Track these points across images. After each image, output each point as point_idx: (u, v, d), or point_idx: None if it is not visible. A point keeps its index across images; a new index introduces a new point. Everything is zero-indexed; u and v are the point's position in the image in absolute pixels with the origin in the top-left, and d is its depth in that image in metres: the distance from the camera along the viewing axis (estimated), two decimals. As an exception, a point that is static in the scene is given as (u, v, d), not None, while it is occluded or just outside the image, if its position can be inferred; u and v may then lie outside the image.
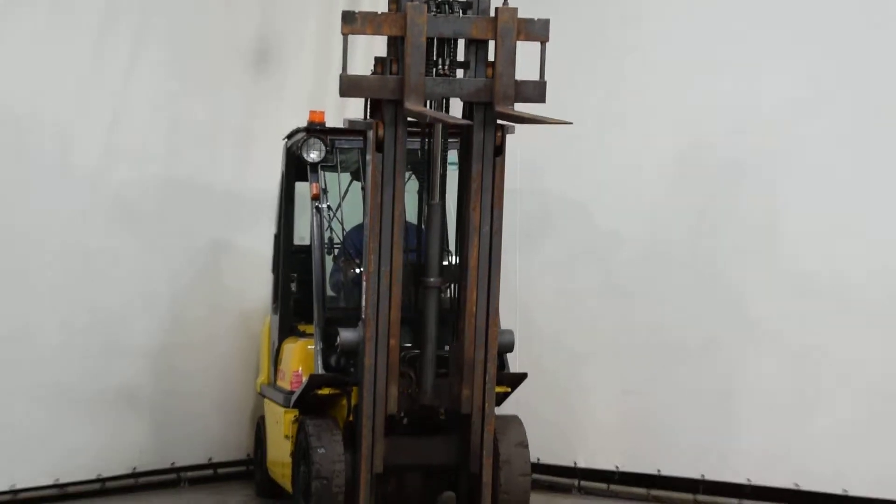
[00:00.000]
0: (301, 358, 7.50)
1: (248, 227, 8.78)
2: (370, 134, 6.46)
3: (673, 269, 8.25)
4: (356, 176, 7.62)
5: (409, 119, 6.73)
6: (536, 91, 6.65)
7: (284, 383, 7.68)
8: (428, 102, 6.69)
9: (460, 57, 6.76)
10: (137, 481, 8.18)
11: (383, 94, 6.60)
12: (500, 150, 6.56)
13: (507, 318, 7.16)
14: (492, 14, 6.65)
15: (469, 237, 6.64)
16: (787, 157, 7.79)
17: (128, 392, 8.26)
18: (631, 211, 8.36)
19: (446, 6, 6.84)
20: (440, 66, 6.73)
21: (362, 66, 7.19)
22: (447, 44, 6.72)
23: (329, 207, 7.54)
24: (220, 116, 8.70)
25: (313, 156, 7.43)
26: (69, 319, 7.97)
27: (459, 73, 6.85)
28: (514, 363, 7.27)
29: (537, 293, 8.57)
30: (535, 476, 7.52)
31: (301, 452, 7.12)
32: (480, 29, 6.65)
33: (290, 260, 8.10)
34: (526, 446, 7.04)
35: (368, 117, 6.75)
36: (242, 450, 8.80)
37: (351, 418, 7.02)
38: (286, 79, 8.94)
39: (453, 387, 6.68)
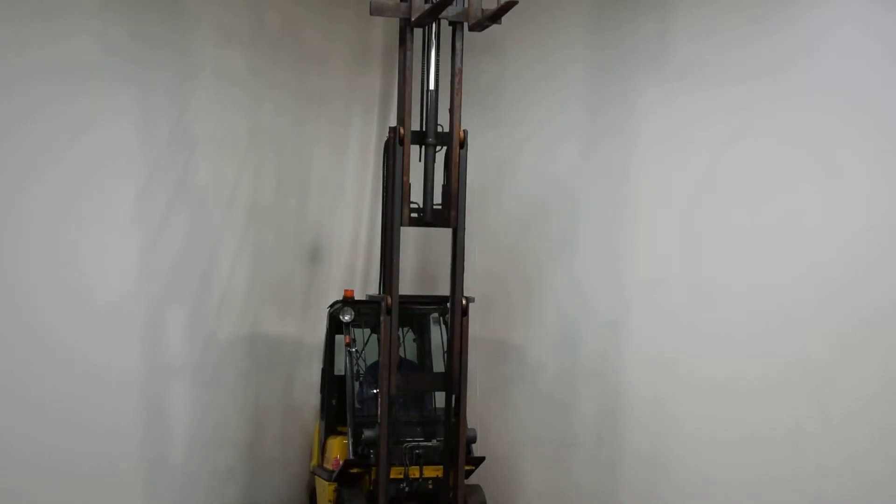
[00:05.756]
0: (339, 449, 8.39)
1: (307, 363, 9.68)
2: (382, 304, 7.55)
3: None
4: (374, 330, 8.37)
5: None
6: (496, 15, 7.55)
7: (328, 465, 8.52)
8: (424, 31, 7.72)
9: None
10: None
11: (398, 14, 7.58)
12: (465, 312, 7.63)
13: (472, 421, 8.09)
14: None
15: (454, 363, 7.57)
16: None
17: (228, 469, 9.21)
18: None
19: None
20: None
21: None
22: None
23: (356, 351, 8.44)
24: (288, 293, 9.75)
25: (346, 318, 8.42)
26: (199, 432, 8.96)
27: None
28: (477, 450, 8.24)
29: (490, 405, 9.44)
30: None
31: (339, 512, 7.98)
32: None
33: (332, 384, 8.85)
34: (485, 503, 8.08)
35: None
36: (300, 509, 9.48)
37: (371, 488, 7.92)
38: (329, 270, 9.99)
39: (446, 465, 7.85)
